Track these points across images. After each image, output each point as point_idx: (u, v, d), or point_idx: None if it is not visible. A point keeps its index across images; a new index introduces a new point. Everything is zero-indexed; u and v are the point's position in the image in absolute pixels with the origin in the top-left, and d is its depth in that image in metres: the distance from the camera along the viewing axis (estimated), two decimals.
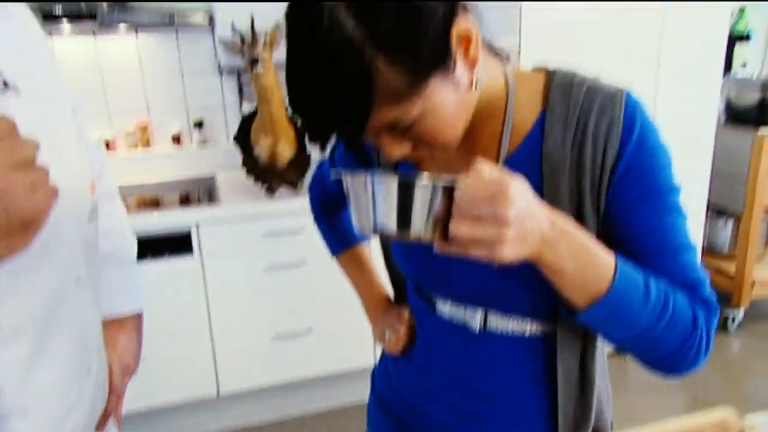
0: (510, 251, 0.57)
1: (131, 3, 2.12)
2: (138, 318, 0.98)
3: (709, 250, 3.02)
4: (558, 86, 0.70)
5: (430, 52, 0.59)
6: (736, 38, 3.01)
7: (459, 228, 0.57)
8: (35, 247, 0.56)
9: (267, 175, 2.20)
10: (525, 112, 0.72)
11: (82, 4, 2.04)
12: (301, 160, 2.22)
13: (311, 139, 0.64)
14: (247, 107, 2.48)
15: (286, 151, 2.16)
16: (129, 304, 0.95)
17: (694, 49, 2.33)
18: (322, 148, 0.66)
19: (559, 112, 0.69)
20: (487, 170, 0.57)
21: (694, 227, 2.57)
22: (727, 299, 2.87)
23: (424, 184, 0.58)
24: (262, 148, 2.16)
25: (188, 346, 2.15)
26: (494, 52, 0.74)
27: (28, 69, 0.69)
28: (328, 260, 1.09)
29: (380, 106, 0.59)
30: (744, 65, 3.06)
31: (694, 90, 2.39)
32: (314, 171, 1.06)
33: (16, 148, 0.51)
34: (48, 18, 1.99)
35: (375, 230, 0.61)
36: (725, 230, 2.96)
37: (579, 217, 0.69)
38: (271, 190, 2.19)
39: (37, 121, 0.66)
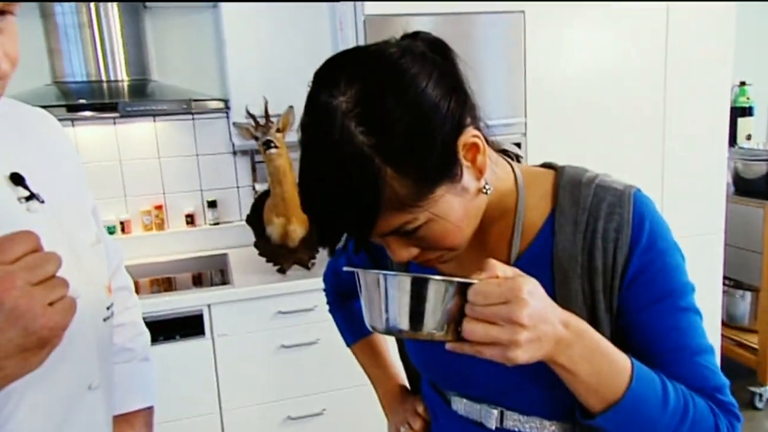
0: (524, 354, 0.56)
1: (150, 94, 2.22)
2: (148, 412, 0.97)
3: (729, 322, 2.95)
4: (566, 185, 0.71)
5: (437, 164, 0.60)
6: (738, 113, 3.07)
7: (473, 329, 0.57)
8: (50, 357, 0.57)
9: (279, 255, 2.21)
10: (535, 212, 0.72)
11: (105, 95, 2.14)
12: (313, 239, 2.24)
13: (320, 243, 0.65)
14: (260, 187, 2.54)
15: (298, 231, 2.19)
16: (140, 400, 0.95)
17: (698, 123, 2.38)
18: (331, 252, 0.67)
19: (568, 213, 0.70)
20: (501, 270, 0.58)
21: (711, 301, 2.53)
22: (752, 374, 2.78)
23: (437, 283, 0.58)
24: (274, 227, 2.18)
25: (197, 429, 2.10)
26: (503, 152, 0.76)
27: (53, 178, 0.72)
28: (341, 339, 1.09)
29: (387, 213, 0.60)
30: (749, 137, 3.11)
31: (701, 163, 2.42)
32: (329, 262, 1.07)
33: (40, 264, 0.53)
34: (72, 108, 2.08)
35: (387, 329, 0.61)
36: (744, 302, 2.90)
37: (593, 318, 0.68)
38: (282, 270, 2.20)
39: (58, 229, 0.68)
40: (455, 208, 0.64)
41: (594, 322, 0.67)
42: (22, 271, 0.51)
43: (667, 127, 2.37)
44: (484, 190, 0.66)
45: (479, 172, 0.65)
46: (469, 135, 0.63)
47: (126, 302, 0.97)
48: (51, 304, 0.52)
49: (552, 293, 0.68)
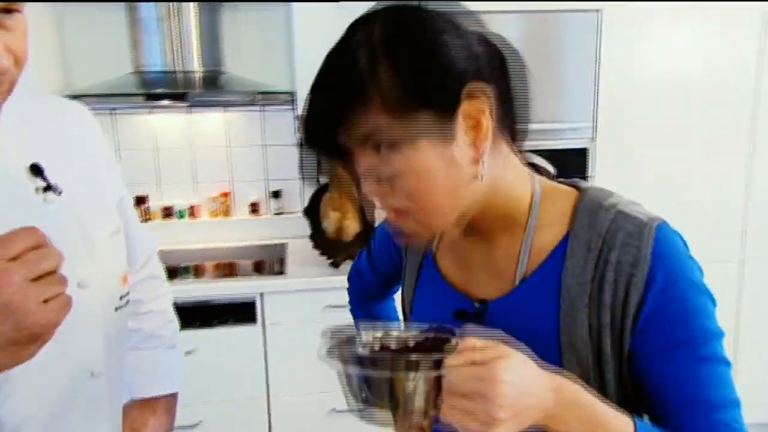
0: (506, 429, 0.54)
1: (221, 85, 2.30)
2: (171, 399, 1.00)
3: None
4: (586, 208, 0.66)
5: (429, 101, 0.59)
6: None
7: (451, 405, 0.55)
8: (51, 344, 0.60)
9: (333, 249, 2.24)
10: (549, 231, 0.68)
11: (179, 85, 2.24)
12: (366, 235, 2.25)
13: (308, 129, 0.64)
14: (324, 179, 2.58)
15: (352, 226, 2.20)
16: (163, 386, 0.98)
17: None
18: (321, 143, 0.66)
19: (583, 237, 0.65)
20: (477, 345, 0.56)
21: None
22: None
23: (413, 368, 0.57)
24: (330, 221, 2.21)
25: (244, 413, 2.17)
26: (530, 165, 0.72)
27: (72, 168, 0.75)
28: None
29: (368, 105, 0.59)
30: None
31: None
32: (353, 262, 1.07)
33: (41, 260, 0.55)
34: (149, 97, 2.20)
35: (362, 412, 0.61)
36: None
37: (598, 355, 0.63)
38: (335, 264, 2.23)
39: (74, 219, 0.71)
40: (436, 171, 0.61)
41: (599, 361, 0.63)
42: (20, 267, 0.53)
43: (758, 137, 2.18)
44: (479, 178, 0.63)
45: (476, 152, 0.62)
46: (475, 108, 0.60)
47: (157, 290, 1.01)
48: (46, 301, 0.55)
49: (557, 323, 0.63)
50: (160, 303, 1.00)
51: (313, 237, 2.30)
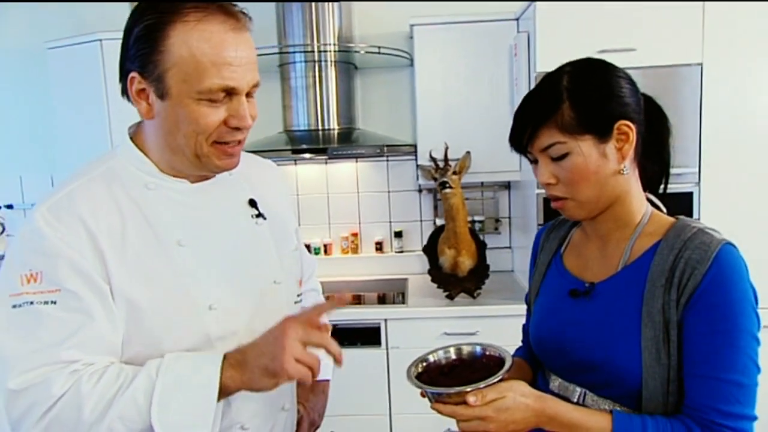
0: None
1: (354, 140, 2.69)
2: (326, 384, 1.30)
3: None
4: (677, 227, 0.91)
5: (597, 118, 0.90)
6: None
7: (467, 425, 0.89)
8: (259, 315, 0.94)
9: (448, 282, 2.49)
10: (648, 238, 0.94)
11: (320, 141, 2.65)
12: (479, 271, 2.48)
13: (512, 138, 0.97)
14: (440, 221, 2.86)
15: (466, 263, 2.44)
16: (322, 373, 1.28)
17: None
18: (519, 148, 0.98)
19: (670, 242, 0.89)
20: (488, 395, 0.87)
21: None
22: None
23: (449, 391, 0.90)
24: (446, 258, 2.47)
25: (369, 428, 2.44)
26: (649, 200, 0.99)
27: (272, 204, 1.09)
28: None
29: (550, 127, 0.91)
30: None
31: None
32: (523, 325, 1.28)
33: (314, 335, 0.86)
34: (295, 152, 2.63)
35: None
36: None
37: (665, 329, 0.86)
38: (451, 296, 2.47)
39: (272, 237, 1.05)
40: (592, 158, 0.90)
41: (666, 327, 0.86)
42: (299, 331, 0.85)
43: None
44: (622, 172, 0.91)
45: (621, 157, 0.91)
46: (627, 126, 0.90)
47: (315, 300, 1.33)
48: (299, 361, 0.84)
49: (641, 298, 0.88)
50: None
51: (431, 272, 2.57)
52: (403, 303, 2.52)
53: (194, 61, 0.85)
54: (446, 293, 2.49)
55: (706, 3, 2.16)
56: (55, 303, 0.83)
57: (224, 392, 0.85)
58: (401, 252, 3.00)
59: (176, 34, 0.85)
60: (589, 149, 0.89)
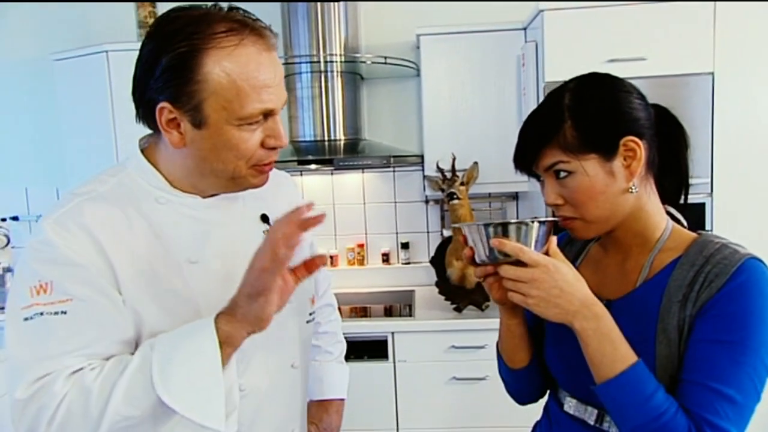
0: (536, 306, 0.83)
1: (360, 151, 2.68)
2: (341, 403, 1.28)
3: None
4: (699, 243, 0.88)
5: (600, 136, 0.87)
6: None
7: (506, 269, 0.85)
8: (268, 341, 0.89)
9: (456, 295, 2.46)
10: (668, 254, 0.90)
11: (326, 152, 2.64)
12: None
13: (515, 158, 0.94)
14: (448, 233, 2.83)
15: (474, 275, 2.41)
16: (332, 392, 1.26)
17: None
18: (523, 168, 0.95)
19: (691, 257, 0.86)
20: (551, 253, 0.85)
21: None
22: None
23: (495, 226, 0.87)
24: (453, 270, 2.44)
25: None
26: (668, 212, 0.96)
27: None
28: None
29: (553, 147, 0.88)
30: None
31: None
32: None
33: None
34: (301, 162, 2.61)
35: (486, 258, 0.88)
36: None
37: (681, 339, 0.83)
38: (459, 309, 2.44)
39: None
40: (598, 178, 0.87)
41: (680, 343, 0.83)
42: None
43: None
44: (630, 191, 0.88)
45: (630, 174, 0.87)
46: (634, 142, 0.86)
47: (330, 316, 1.31)
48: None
49: (657, 314, 0.85)
50: (332, 326, 1.30)
51: (438, 284, 2.53)
52: (411, 315, 2.49)
53: (234, 88, 0.83)
54: (454, 306, 2.46)
55: (717, 12, 2.13)
56: (65, 313, 0.82)
57: (227, 343, 0.80)
58: (408, 263, 2.97)
59: (213, 62, 0.82)
60: (594, 168, 0.86)
